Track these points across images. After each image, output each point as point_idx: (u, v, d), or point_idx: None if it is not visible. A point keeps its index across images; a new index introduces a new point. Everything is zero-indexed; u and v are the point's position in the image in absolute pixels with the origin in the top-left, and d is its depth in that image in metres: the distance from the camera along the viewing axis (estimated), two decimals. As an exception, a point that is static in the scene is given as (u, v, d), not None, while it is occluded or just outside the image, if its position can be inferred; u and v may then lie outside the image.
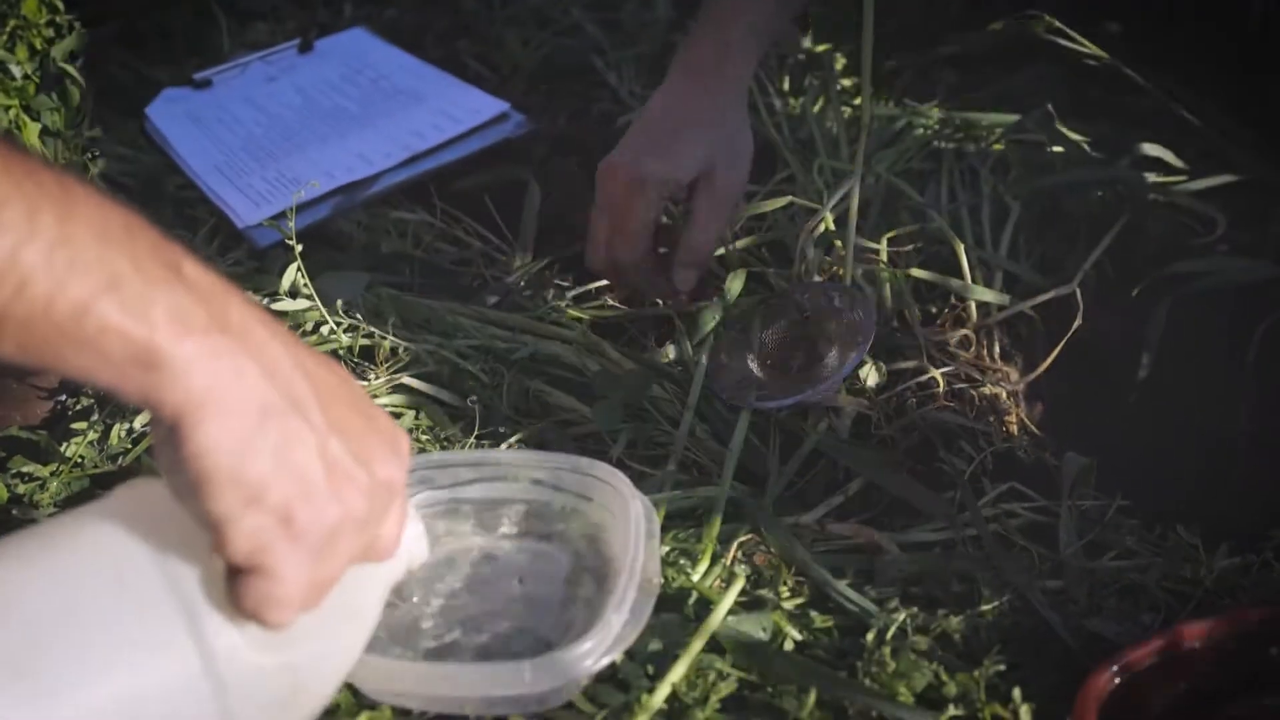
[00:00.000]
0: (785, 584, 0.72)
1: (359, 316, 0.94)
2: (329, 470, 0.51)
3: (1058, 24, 1.13)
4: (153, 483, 0.53)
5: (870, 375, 0.88)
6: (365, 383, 0.90)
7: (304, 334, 0.95)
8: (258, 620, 0.51)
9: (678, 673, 0.64)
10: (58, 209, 0.45)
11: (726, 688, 0.64)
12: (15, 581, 0.49)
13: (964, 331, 0.93)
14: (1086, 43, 1.12)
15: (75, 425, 0.88)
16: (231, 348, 0.48)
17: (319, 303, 0.94)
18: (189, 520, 0.50)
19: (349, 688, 0.64)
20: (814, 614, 0.70)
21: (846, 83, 1.20)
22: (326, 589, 0.53)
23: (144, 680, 0.49)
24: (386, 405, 0.88)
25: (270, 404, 0.49)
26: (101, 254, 0.45)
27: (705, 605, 0.69)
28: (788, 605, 0.70)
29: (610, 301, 0.98)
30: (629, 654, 0.65)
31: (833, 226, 0.97)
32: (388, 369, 0.91)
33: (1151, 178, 1.01)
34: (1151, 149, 1.04)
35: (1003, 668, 0.64)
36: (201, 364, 0.47)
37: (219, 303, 0.49)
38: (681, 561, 0.73)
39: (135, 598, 0.50)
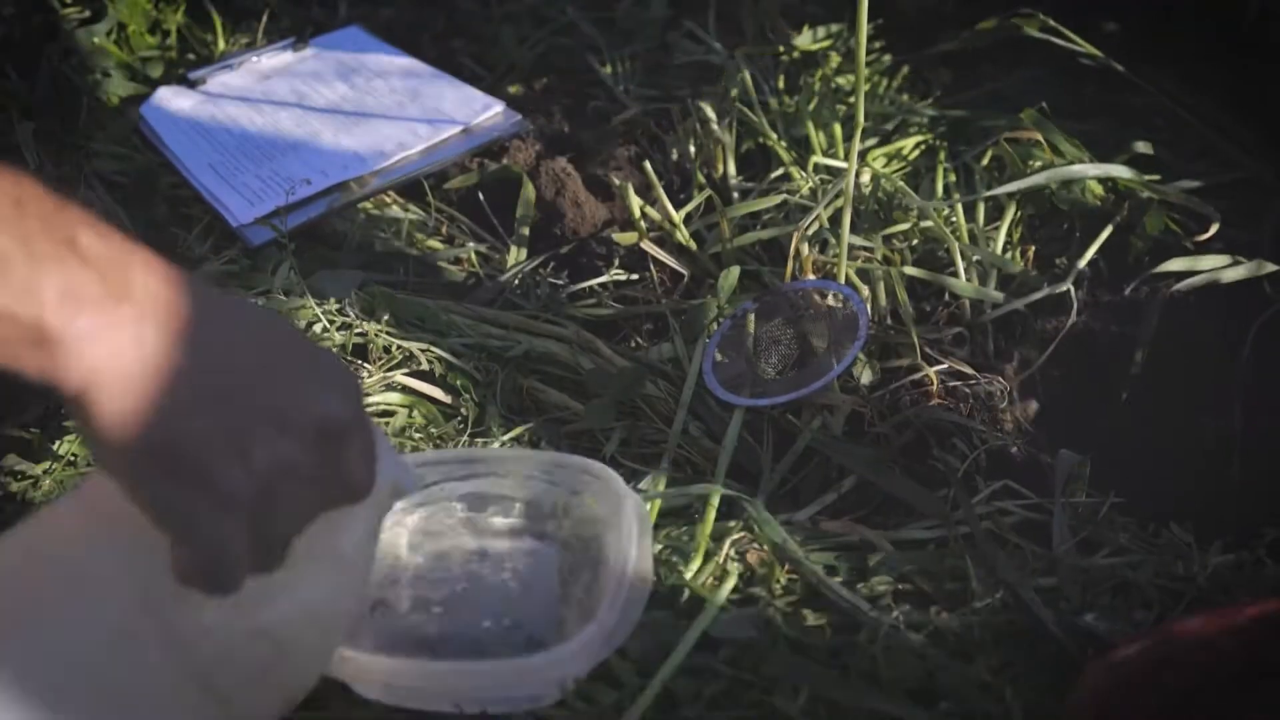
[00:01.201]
0: (778, 581, 0.72)
1: (352, 314, 0.94)
2: (249, 424, 0.48)
3: (1052, 23, 1.13)
4: None
5: (864, 373, 0.88)
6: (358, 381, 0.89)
7: (297, 332, 0.94)
8: (196, 590, 0.48)
9: (670, 670, 0.64)
10: None
11: (718, 686, 0.64)
12: None
13: (958, 329, 0.93)
14: (1081, 41, 1.12)
15: (68, 423, 0.88)
16: (132, 316, 0.46)
17: (312, 300, 0.94)
18: None
19: (340, 685, 0.64)
20: (807, 611, 0.70)
21: (841, 80, 1.20)
22: (278, 546, 0.50)
23: (108, 672, 0.48)
24: (380, 403, 0.88)
25: (177, 367, 0.47)
26: None
27: (698, 603, 0.69)
28: (780, 603, 0.70)
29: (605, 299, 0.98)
30: (621, 652, 0.65)
31: (827, 224, 0.97)
32: (381, 367, 0.91)
33: (1146, 176, 1.01)
34: (1146, 147, 1.05)
35: (995, 665, 0.64)
36: (97, 338, 0.45)
37: (118, 273, 0.47)
38: (674, 559, 0.73)
39: (92, 591, 0.49)
